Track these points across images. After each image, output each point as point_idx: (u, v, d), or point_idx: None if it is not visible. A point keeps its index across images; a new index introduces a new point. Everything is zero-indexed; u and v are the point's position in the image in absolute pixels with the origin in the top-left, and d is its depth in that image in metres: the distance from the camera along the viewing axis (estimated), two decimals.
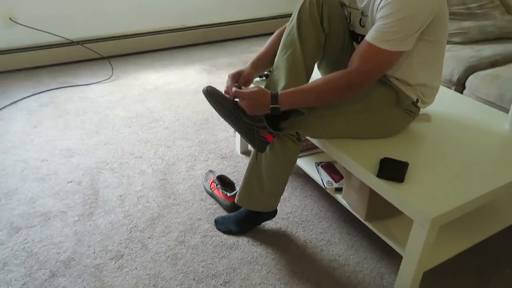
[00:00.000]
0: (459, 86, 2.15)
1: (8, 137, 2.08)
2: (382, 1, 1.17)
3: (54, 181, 1.79)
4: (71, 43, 2.89)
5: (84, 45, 2.93)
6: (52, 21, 2.79)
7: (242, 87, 1.31)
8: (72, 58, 2.95)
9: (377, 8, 1.20)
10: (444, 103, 1.68)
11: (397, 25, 1.16)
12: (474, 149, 1.39)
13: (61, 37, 2.84)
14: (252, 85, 1.39)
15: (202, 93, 1.31)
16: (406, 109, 1.41)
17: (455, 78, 2.13)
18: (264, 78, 1.82)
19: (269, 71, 1.84)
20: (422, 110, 1.51)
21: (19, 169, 1.85)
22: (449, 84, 2.18)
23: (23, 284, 1.32)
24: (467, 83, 2.10)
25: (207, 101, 1.32)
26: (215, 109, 1.29)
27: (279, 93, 1.24)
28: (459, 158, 1.34)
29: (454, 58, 2.19)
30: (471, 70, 2.12)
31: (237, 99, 1.29)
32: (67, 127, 2.19)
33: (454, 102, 1.69)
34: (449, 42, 2.37)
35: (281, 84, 1.31)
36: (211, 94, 1.26)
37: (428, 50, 1.29)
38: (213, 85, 1.31)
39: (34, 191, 1.72)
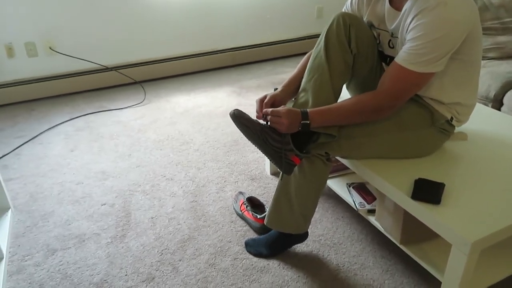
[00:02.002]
0: (496, 103, 2.07)
1: (46, 160, 2.17)
2: (412, 23, 1.16)
3: (89, 203, 1.83)
4: (106, 69, 3.01)
5: (118, 70, 3.04)
6: (88, 49, 2.92)
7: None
8: (107, 84, 3.07)
9: (407, 29, 1.18)
10: (481, 120, 1.62)
11: (427, 46, 1.14)
12: None
13: (97, 63, 2.97)
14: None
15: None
16: (440, 128, 1.36)
17: (491, 94, 2.06)
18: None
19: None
20: (457, 129, 1.46)
21: (56, 192, 1.91)
22: (485, 100, 2.10)
23: None
24: (505, 100, 2.02)
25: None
26: (242, 132, 1.29)
27: (308, 110, 1.26)
28: (498, 178, 1.27)
29: (490, 74, 2.12)
30: (509, 86, 2.04)
31: (267, 121, 1.29)
32: (101, 150, 2.26)
33: (491, 120, 1.63)
34: (484, 58, 2.30)
35: (309, 107, 1.30)
36: (238, 117, 1.27)
37: (461, 70, 1.25)
38: (242, 107, 1.33)
39: (69, 213, 1.77)
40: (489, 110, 1.72)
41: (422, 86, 1.23)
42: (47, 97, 2.92)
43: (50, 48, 2.80)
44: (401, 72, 1.19)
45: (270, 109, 1.28)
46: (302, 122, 1.25)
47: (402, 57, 1.19)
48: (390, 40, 1.32)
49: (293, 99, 1.80)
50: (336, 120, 1.28)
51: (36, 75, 2.84)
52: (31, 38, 2.74)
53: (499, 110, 2.05)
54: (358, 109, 1.25)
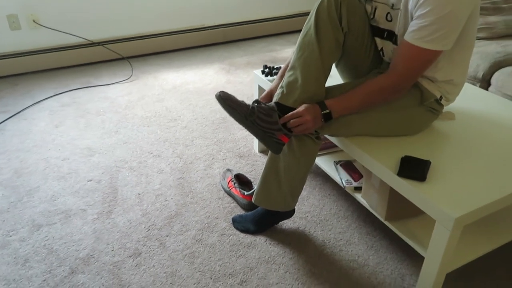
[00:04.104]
0: (484, 83, 2.08)
1: (31, 136, 2.13)
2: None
3: (75, 179, 1.81)
4: (92, 44, 2.94)
5: (105, 45, 2.97)
6: (73, 22, 2.84)
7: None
8: (93, 59, 3.00)
9: (415, 4, 1.16)
10: (469, 100, 1.62)
11: (436, 22, 1.12)
12: (499, 147, 1.33)
13: (83, 38, 2.89)
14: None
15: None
16: (429, 107, 1.37)
17: (480, 74, 2.07)
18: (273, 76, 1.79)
19: (276, 69, 1.83)
20: (445, 108, 1.46)
21: (41, 167, 1.89)
22: (473, 80, 2.11)
23: (44, 281, 1.34)
24: (493, 80, 2.03)
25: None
26: (229, 114, 1.27)
27: (325, 101, 1.28)
28: (483, 157, 1.29)
29: (479, 54, 2.12)
30: (497, 66, 2.05)
31: (289, 129, 1.29)
32: (87, 126, 2.22)
33: (479, 99, 1.64)
34: None
35: (298, 86, 1.28)
36: (224, 99, 1.25)
37: (458, 48, 1.24)
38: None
39: (55, 189, 1.75)
40: (477, 90, 1.72)
41: (434, 61, 1.23)
42: (31, 71, 2.85)
43: (34, 21, 2.72)
44: (413, 50, 1.18)
45: (289, 114, 1.27)
46: (322, 112, 1.26)
47: (412, 35, 1.17)
48: (388, 13, 1.30)
49: (272, 74, 1.79)
50: (355, 103, 1.28)
51: (19, 49, 2.76)
52: (13, 10, 2.65)
53: (487, 90, 2.06)
54: (376, 89, 1.26)
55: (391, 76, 1.25)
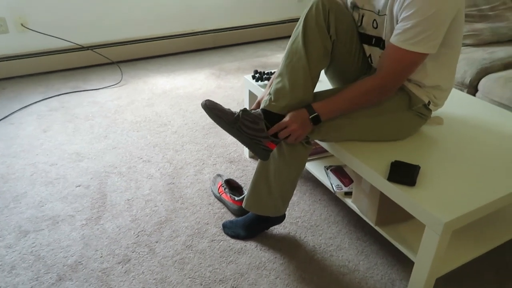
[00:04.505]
0: (472, 89, 2.11)
1: (18, 141, 2.10)
2: (406, 1, 1.15)
3: (63, 185, 1.79)
4: (81, 48, 2.92)
5: (94, 50, 2.95)
6: (62, 27, 2.82)
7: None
8: (82, 63, 2.98)
9: (400, 7, 1.17)
10: (457, 105, 1.64)
11: (421, 24, 1.13)
12: (487, 152, 1.35)
13: (72, 42, 2.87)
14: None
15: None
16: (417, 112, 1.38)
17: (467, 80, 2.10)
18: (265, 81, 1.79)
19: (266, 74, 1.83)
20: (434, 113, 1.48)
21: (28, 173, 1.86)
22: (461, 86, 2.14)
23: None
24: (480, 86, 2.06)
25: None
26: (215, 122, 1.28)
27: (312, 104, 1.28)
28: (472, 162, 1.30)
29: (466, 60, 2.15)
30: (483, 72, 2.08)
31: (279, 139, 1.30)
32: (76, 131, 2.20)
33: (467, 105, 1.66)
34: None
35: (286, 92, 1.29)
36: (210, 108, 1.25)
37: (444, 53, 1.26)
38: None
39: (42, 195, 1.73)
40: (465, 96, 1.75)
41: (419, 64, 1.24)
42: (19, 76, 2.81)
43: (22, 25, 2.69)
44: (398, 53, 1.19)
45: (275, 126, 1.28)
46: (311, 117, 1.27)
47: (397, 38, 1.18)
48: (374, 20, 1.31)
49: (263, 79, 1.79)
50: (343, 106, 1.29)
51: (6, 53, 2.72)
52: (1, 14, 2.61)
53: (474, 95, 2.09)
54: (363, 91, 1.26)
55: (377, 78, 1.26)
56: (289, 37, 3.56)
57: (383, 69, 1.25)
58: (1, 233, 1.52)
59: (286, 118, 1.27)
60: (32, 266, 1.40)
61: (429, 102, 1.37)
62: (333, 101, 1.29)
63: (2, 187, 1.76)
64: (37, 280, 1.35)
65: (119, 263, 1.42)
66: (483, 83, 2.05)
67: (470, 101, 1.70)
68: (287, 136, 1.28)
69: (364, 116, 1.33)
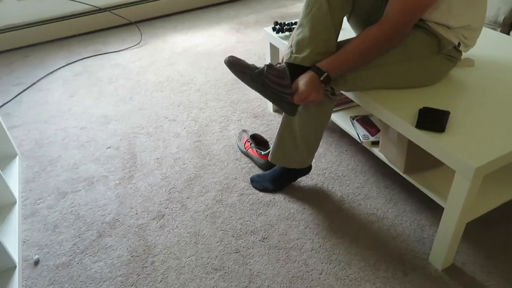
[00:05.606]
0: (506, 27, 1.99)
1: (47, 107, 2.16)
2: None
3: (94, 147, 1.85)
4: (99, 10, 2.89)
5: (112, 11, 2.92)
6: None
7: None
8: (101, 26, 2.97)
9: None
10: (488, 46, 1.56)
11: None
12: None
13: (89, 4, 2.85)
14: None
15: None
16: (447, 54, 1.32)
17: (501, 18, 1.97)
18: (288, 33, 1.75)
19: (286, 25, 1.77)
20: (464, 55, 1.41)
21: (60, 137, 1.92)
22: (494, 25, 2.02)
23: (74, 245, 1.40)
24: None
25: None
26: (239, 79, 1.26)
27: (317, 64, 1.23)
28: (504, 105, 1.26)
29: None
30: None
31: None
32: (101, 94, 2.23)
33: (500, 45, 1.57)
34: None
35: (307, 43, 1.25)
36: (233, 64, 1.23)
37: None
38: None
39: (76, 157, 1.79)
40: (498, 35, 1.65)
41: (430, 6, 1.18)
42: (40, 42, 2.84)
43: None
44: None
45: (294, 98, 1.25)
46: (321, 78, 1.23)
47: None
48: None
49: (285, 30, 1.74)
50: (353, 59, 1.23)
51: (27, 20, 2.74)
52: None
53: (508, 34, 1.97)
54: (371, 40, 1.20)
55: (384, 24, 1.19)
56: None
57: (391, 14, 1.18)
58: (41, 195, 1.61)
59: (295, 85, 1.24)
60: (73, 224, 1.48)
61: (459, 43, 1.31)
62: (340, 56, 1.23)
63: (38, 152, 1.84)
64: (79, 237, 1.43)
65: (154, 219, 1.48)
66: None
67: (504, 41, 1.61)
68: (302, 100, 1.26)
69: (391, 62, 1.29)
